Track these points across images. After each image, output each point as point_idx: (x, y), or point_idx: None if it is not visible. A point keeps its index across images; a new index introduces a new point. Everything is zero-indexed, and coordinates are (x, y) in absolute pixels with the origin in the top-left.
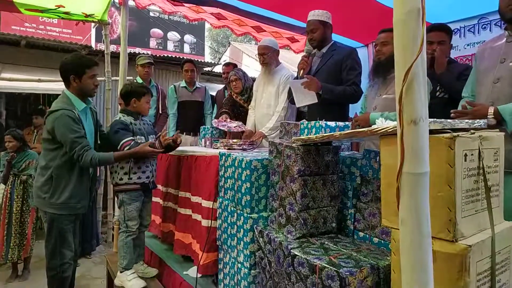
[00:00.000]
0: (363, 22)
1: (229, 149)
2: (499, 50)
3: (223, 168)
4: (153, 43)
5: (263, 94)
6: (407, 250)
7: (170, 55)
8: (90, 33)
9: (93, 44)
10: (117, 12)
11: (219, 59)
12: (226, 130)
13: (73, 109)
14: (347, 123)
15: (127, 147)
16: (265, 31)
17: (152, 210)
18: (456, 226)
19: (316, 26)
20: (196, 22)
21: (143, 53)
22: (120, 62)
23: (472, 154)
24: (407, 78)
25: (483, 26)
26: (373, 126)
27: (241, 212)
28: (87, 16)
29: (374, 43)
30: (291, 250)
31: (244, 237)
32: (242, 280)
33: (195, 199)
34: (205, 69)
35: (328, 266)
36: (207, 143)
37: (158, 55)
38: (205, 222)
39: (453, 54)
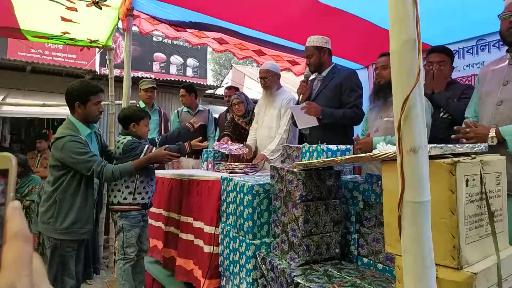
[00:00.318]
0: (362, 44)
1: (231, 172)
2: (501, 72)
3: (225, 192)
4: (156, 67)
5: (264, 117)
6: (411, 280)
7: (173, 79)
8: (95, 58)
9: (97, 68)
10: (121, 37)
11: (221, 81)
12: (227, 152)
13: (78, 135)
14: (348, 146)
15: (153, 149)
16: (266, 54)
17: (154, 234)
18: (461, 253)
19: (311, 52)
20: (199, 46)
21: (146, 77)
22: (124, 87)
23: (473, 179)
24: (405, 107)
25: (481, 47)
26: (374, 151)
27: (243, 238)
28: (91, 42)
29: (374, 66)
30: (294, 278)
31: (247, 264)
32: None
33: (197, 224)
34: (207, 91)
35: None
36: (209, 166)
37: (161, 79)
38: (207, 248)
39: (453, 75)
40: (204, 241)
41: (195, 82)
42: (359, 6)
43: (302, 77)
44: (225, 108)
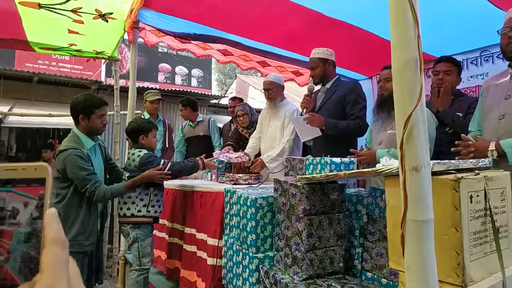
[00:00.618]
0: (366, 55)
1: (234, 183)
2: (503, 86)
3: (228, 205)
4: (161, 77)
5: (268, 128)
6: None
7: (178, 89)
8: (101, 69)
9: (103, 79)
10: (126, 48)
11: (226, 91)
12: (226, 160)
13: (82, 148)
14: (352, 159)
15: (169, 164)
16: (270, 65)
17: (157, 245)
18: (465, 270)
19: (315, 64)
20: (203, 57)
21: (152, 88)
22: (129, 98)
23: (478, 195)
24: (407, 126)
25: (485, 59)
26: (378, 166)
27: (247, 251)
28: (98, 53)
29: (377, 78)
30: None
31: (250, 277)
32: None
33: (200, 236)
34: (211, 101)
35: None
36: (213, 177)
37: (166, 89)
38: (210, 260)
39: (458, 86)
40: (207, 253)
41: (199, 92)
42: (362, 19)
43: (306, 88)
44: (229, 118)
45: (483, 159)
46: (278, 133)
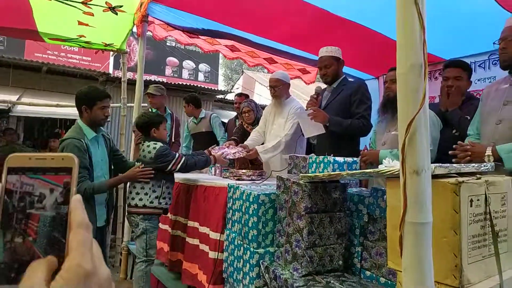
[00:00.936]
0: (373, 55)
1: (238, 179)
2: (503, 92)
3: (231, 200)
4: (168, 71)
5: (273, 126)
6: None
7: (184, 83)
8: (109, 61)
9: (111, 71)
10: (135, 41)
11: (232, 86)
12: (218, 155)
13: (82, 138)
14: (355, 159)
15: (183, 158)
16: (277, 62)
17: (160, 237)
18: (462, 272)
19: (330, 62)
20: (211, 52)
21: (158, 81)
22: (136, 91)
23: (478, 200)
24: (409, 130)
25: (493, 62)
26: (380, 167)
27: (248, 246)
28: (106, 45)
29: (384, 79)
30: None
31: (250, 272)
32: None
33: (203, 229)
34: (218, 96)
35: None
36: (217, 172)
37: (173, 83)
38: (212, 254)
39: None
40: (209, 246)
41: (206, 87)
42: (370, 18)
43: (312, 86)
44: (235, 113)
45: (485, 164)
46: (282, 131)
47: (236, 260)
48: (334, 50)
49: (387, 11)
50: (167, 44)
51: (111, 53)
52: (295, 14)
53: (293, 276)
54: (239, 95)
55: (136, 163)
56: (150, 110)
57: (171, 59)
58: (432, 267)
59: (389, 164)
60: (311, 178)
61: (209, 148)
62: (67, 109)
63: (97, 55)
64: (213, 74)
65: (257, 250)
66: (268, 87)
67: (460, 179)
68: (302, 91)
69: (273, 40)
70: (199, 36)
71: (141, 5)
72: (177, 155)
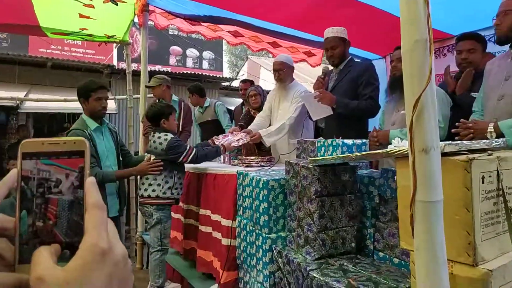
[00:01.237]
0: (379, 34)
1: (247, 166)
2: (504, 68)
3: (241, 187)
4: (172, 60)
5: (278, 111)
6: (423, 277)
7: (189, 72)
8: (112, 53)
9: (115, 62)
10: (137, 31)
11: (237, 73)
12: (227, 143)
13: (85, 129)
14: (364, 140)
15: (194, 150)
16: (281, 46)
17: (173, 226)
18: (476, 250)
19: (336, 43)
20: (214, 39)
21: (162, 71)
22: (141, 82)
23: (490, 176)
24: (416, 108)
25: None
26: (389, 147)
27: (260, 232)
28: (109, 37)
29: (390, 59)
30: (310, 272)
31: (263, 257)
32: None
33: (215, 217)
34: (223, 84)
35: None
36: (226, 159)
37: (177, 72)
38: (224, 241)
39: None
40: (222, 233)
41: (210, 75)
42: None
43: (318, 68)
44: (240, 100)
45: (496, 140)
46: (287, 115)
47: (249, 246)
48: (340, 31)
49: None
50: (170, 33)
51: (114, 44)
52: None
53: (306, 259)
54: (244, 81)
55: (146, 154)
56: (158, 100)
57: (175, 48)
58: (445, 245)
59: (399, 144)
60: (320, 161)
61: (212, 138)
62: (75, 104)
63: (100, 47)
64: (217, 61)
65: (269, 236)
66: (272, 71)
67: (471, 156)
68: (308, 74)
69: (276, 23)
70: (201, 23)
71: None
72: (188, 146)
